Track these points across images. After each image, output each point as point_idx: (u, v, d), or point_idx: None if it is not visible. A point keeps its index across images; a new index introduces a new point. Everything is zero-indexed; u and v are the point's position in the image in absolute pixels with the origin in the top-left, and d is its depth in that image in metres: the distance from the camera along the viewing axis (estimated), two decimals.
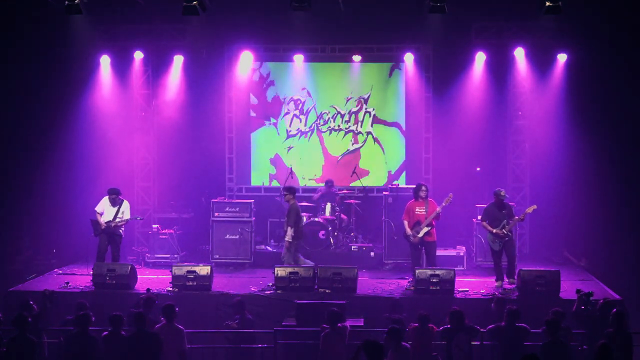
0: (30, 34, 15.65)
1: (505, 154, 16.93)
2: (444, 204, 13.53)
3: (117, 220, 13.85)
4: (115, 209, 13.88)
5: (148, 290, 11.69)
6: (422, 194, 13.65)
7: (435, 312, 10.98)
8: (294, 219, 13.72)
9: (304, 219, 15.59)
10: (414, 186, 15.38)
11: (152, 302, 10.95)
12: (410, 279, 13.48)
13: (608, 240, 15.89)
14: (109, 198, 13.93)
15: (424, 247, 13.68)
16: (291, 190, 14.09)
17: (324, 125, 17.43)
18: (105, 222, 13.83)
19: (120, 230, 14.01)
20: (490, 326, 10.51)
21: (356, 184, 16.92)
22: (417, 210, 13.64)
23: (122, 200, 14.00)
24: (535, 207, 13.44)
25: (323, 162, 17.47)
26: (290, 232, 13.65)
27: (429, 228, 13.52)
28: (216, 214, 15.55)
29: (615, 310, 10.21)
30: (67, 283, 13.53)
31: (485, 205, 14.12)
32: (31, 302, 10.99)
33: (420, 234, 13.52)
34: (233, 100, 17.38)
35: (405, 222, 13.70)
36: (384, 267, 15.18)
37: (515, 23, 16.09)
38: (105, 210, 13.92)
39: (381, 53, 17.17)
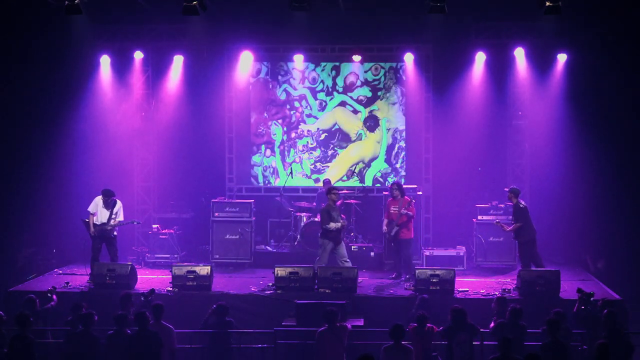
0: (30, 34, 15.64)
1: (505, 154, 16.91)
2: (406, 206, 13.89)
3: (112, 222, 13.81)
4: (109, 210, 13.84)
5: (152, 290, 11.67)
6: (394, 193, 14.10)
7: (435, 312, 10.99)
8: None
9: (304, 219, 15.64)
10: (414, 186, 15.55)
11: (128, 299, 11.08)
12: (394, 275, 14.04)
13: (608, 240, 15.89)
14: (103, 200, 13.86)
15: (399, 245, 14.03)
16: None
17: (325, 125, 17.43)
18: (100, 224, 13.78)
19: (114, 233, 14.00)
20: (492, 324, 10.53)
21: (356, 184, 17.00)
22: (391, 209, 14.10)
23: (115, 201, 13.94)
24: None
25: (324, 162, 17.47)
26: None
27: (397, 228, 13.86)
28: (216, 214, 15.56)
29: (606, 311, 10.21)
30: (67, 283, 13.54)
31: (486, 205, 15.29)
32: (34, 297, 11.10)
33: (393, 232, 13.91)
34: (233, 101, 17.36)
35: (384, 221, 14.20)
36: (384, 267, 15.19)
37: (515, 23, 16.08)
38: (98, 212, 13.84)
39: (381, 53, 17.16)
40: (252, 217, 15.59)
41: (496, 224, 14.35)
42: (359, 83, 17.31)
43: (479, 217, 15.38)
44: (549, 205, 15.89)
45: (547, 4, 13.37)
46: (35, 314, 10.71)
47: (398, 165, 17.33)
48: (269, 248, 16.15)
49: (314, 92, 17.40)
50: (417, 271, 12.89)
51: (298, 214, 15.88)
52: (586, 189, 16.10)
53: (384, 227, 14.17)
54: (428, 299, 11.66)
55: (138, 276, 13.61)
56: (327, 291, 12.76)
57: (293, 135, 17.50)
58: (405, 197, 14.08)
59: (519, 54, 16.40)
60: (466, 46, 16.40)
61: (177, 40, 16.63)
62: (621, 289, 13.18)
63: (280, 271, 13.01)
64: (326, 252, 13.48)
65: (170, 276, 13.05)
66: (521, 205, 13.79)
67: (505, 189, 14.36)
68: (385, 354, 9.69)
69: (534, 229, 13.76)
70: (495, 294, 12.44)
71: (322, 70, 17.37)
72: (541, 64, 16.40)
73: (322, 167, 17.44)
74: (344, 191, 16.38)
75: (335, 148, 17.43)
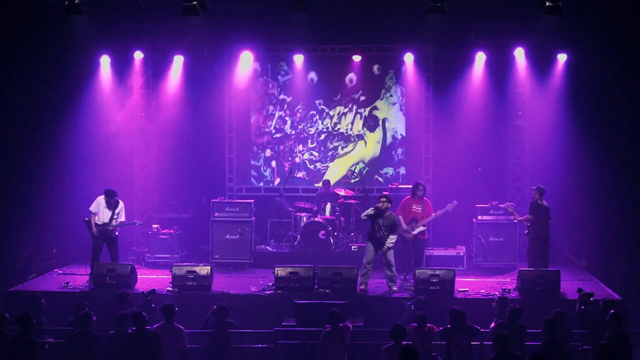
0: (30, 34, 15.63)
1: (505, 154, 16.92)
2: (447, 209, 14.08)
3: (114, 223, 13.81)
4: (112, 210, 13.83)
5: (153, 290, 11.66)
6: (420, 192, 14.07)
7: (435, 312, 10.99)
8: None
9: (304, 219, 15.64)
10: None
11: (125, 298, 11.07)
12: (403, 276, 13.82)
13: (608, 240, 15.90)
14: (106, 200, 13.84)
15: (416, 244, 14.04)
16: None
17: (325, 125, 17.43)
18: (102, 224, 13.77)
19: (116, 233, 14.00)
20: (492, 324, 10.53)
21: (356, 184, 17.02)
22: (413, 207, 14.03)
23: (118, 201, 13.94)
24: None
25: (324, 162, 17.47)
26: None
27: (425, 228, 14.01)
28: (216, 214, 15.56)
29: (612, 312, 10.20)
30: (67, 283, 13.55)
31: (486, 205, 15.35)
32: (42, 299, 11.08)
33: (415, 232, 13.89)
34: (233, 101, 17.37)
35: (401, 218, 13.90)
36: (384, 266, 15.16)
37: (515, 23, 16.09)
38: (100, 212, 13.83)
39: (381, 53, 17.17)
40: (252, 217, 15.59)
41: (507, 208, 14.44)
42: (358, 83, 17.32)
43: (479, 217, 15.39)
44: (548, 205, 15.86)
45: (547, 4, 13.37)
46: (39, 314, 10.71)
47: (398, 166, 17.33)
48: (269, 248, 16.15)
49: (314, 92, 17.39)
50: (417, 271, 12.90)
51: (298, 214, 15.88)
52: (586, 189, 16.12)
53: (404, 226, 13.81)
54: (424, 300, 11.66)
55: (138, 276, 13.63)
56: (327, 291, 12.77)
57: (293, 135, 17.50)
58: (425, 197, 14.20)
59: (519, 54, 16.40)
60: (466, 46, 16.40)
61: (177, 40, 16.63)
62: (621, 289, 13.18)
63: (280, 271, 13.01)
64: (369, 252, 13.16)
65: (170, 276, 13.06)
66: (540, 202, 13.83)
67: (532, 187, 14.33)
68: (385, 353, 9.70)
69: (547, 230, 13.76)
70: (495, 294, 12.44)
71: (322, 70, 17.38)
72: (541, 64, 16.40)
73: (322, 167, 17.45)
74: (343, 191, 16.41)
75: (336, 148, 17.44)
